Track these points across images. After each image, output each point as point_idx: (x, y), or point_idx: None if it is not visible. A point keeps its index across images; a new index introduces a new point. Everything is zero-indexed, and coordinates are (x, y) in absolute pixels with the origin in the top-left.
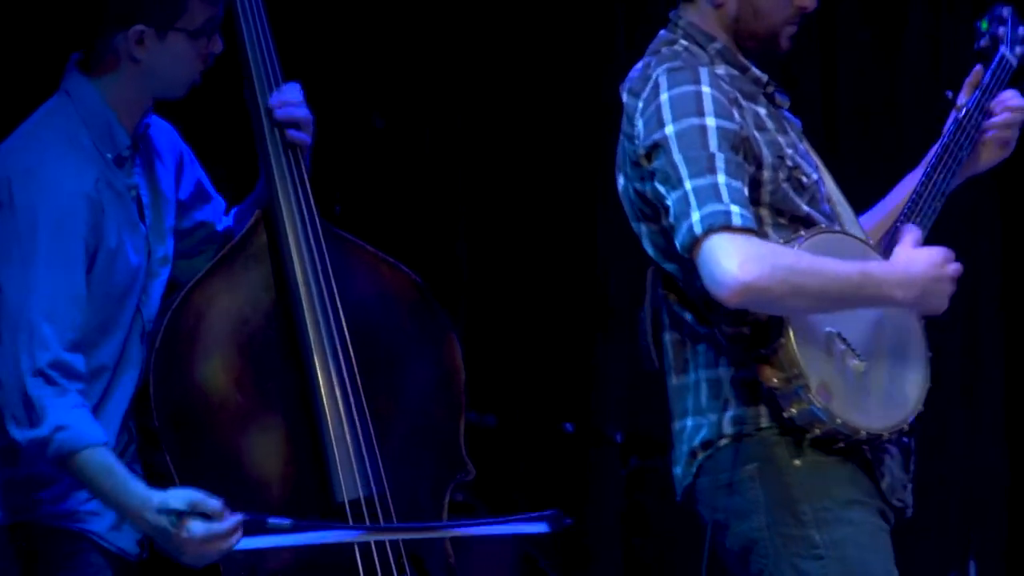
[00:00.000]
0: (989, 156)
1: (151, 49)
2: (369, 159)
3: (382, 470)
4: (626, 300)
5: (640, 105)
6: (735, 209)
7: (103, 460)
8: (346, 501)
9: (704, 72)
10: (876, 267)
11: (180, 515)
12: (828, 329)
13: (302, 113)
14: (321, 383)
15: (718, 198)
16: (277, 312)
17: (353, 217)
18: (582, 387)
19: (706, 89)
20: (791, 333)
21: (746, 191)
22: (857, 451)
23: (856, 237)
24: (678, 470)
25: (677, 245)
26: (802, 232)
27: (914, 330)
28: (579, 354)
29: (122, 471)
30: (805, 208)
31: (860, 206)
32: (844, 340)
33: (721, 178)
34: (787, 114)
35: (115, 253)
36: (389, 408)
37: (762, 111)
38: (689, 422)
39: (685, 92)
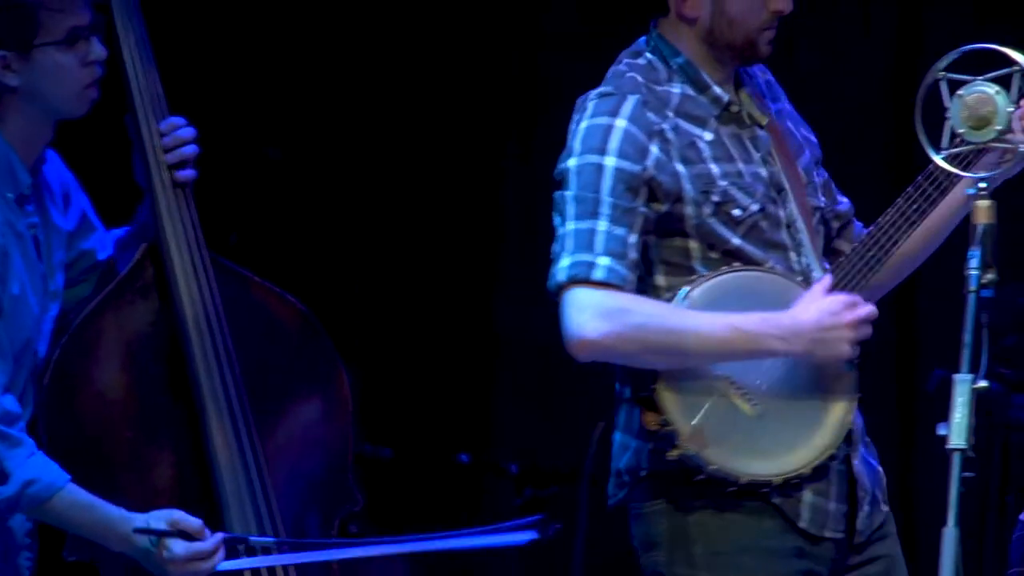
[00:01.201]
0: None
1: (22, 72)
2: (264, 190)
3: (273, 504)
4: (520, 332)
5: (572, 126)
6: (602, 261)
7: (76, 497)
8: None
9: (629, 102)
10: (752, 321)
11: (161, 535)
12: (719, 373)
13: (191, 150)
14: (211, 417)
15: (590, 247)
16: (166, 347)
17: (248, 248)
18: (477, 419)
19: (620, 123)
20: (662, 379)
21: (632, 238)
22: (756, 494)
23: (783, 275)
24: (610, 481)
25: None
26: (718, 269)
27: (838, 374)
28: (474, 386)
29: (97, 501)
30: (736, 241)
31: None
32: (736, 385)
33: (602, 225)
34: (760, 134)
35: (18, 300)
36: (279, 441)
37: (707, 136)
38: (618, 436)
39: (598, 125)
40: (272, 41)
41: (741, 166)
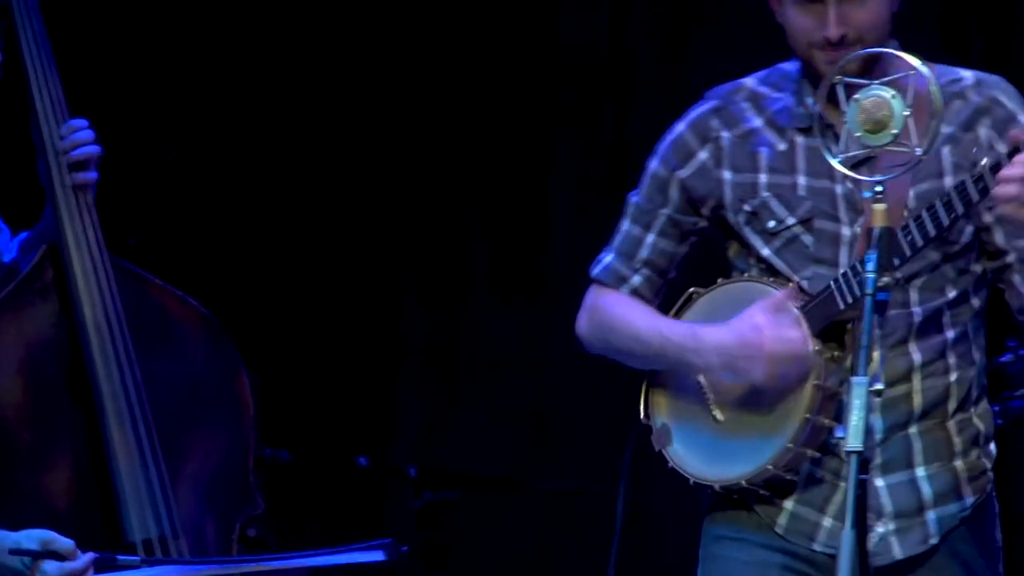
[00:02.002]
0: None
1: None
2: (163, 190)
3: (173, 508)
4: (421, 336)
5: None
6: (606, 259)
7: None
8: (137, 541)
9: (700, 108)
10: (679, 332)
11: (33, 556)
12: (696, 377)
13: (93, 150)
14: (111, 420)
15: (610, 245)
16: (66, 349)
17: (147, 249)
18: (377, 421)
19: (679, 128)
20: (650, 377)
21: (649, 237)
22: (732, 497)
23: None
24: None
25: None
26: (741, 276)
27: (795, 391)
28: (374, 388)
29: None
30: (765, 251)
31: None
32: (707, 390)
33: (625, 224)
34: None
35: None
36: (179, 444)
37: (780, 147)
38: None
39: (671, 129)
40: (172, 42)
41: (801, 179)
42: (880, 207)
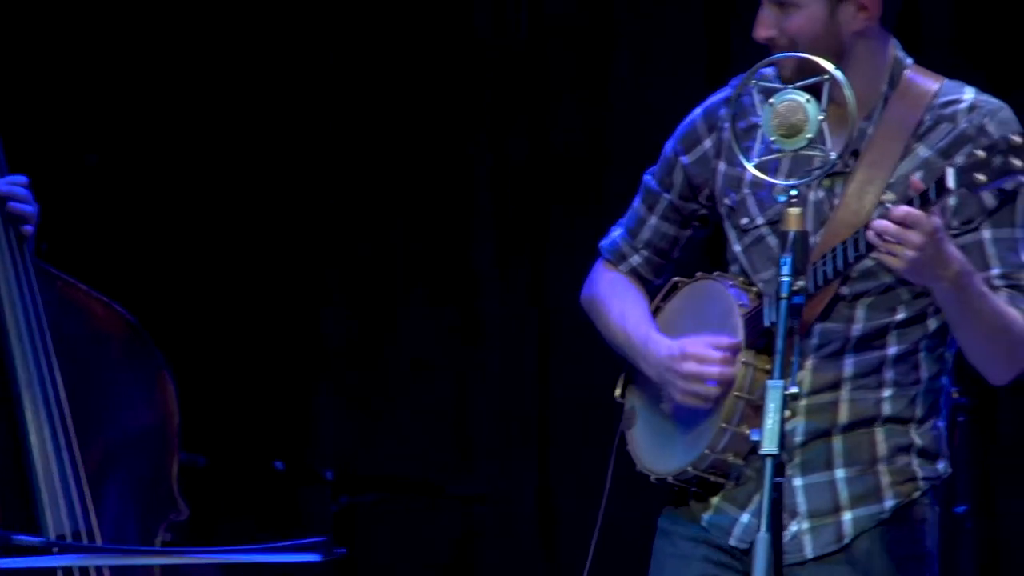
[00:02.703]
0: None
1: None
2: (82, 196)
3: (90, 507)
4: (341, 340)
5: None
6: (615, 234)
7: None
8: (53, 537)
9: (717, 95)
10: (638, 334)
11: None
12: None
13: (30, 209)
14: (29, 419)
15: (622, 220)
16: None
17: (64, 252)
18: (294, 425)
19: (696, 112)
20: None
21: (652, 219)
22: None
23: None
24: None
25: None
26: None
27: (727, 397)
28: (291, 391)
29: None
30: (736, 247)
31: None
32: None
33: (636, 201)
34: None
35: None
36: (101, 447)
37: (770, 144)
38: None
39: (690, 112)
40: (89, 45)
41: (780, 179)
42: (795, 211)
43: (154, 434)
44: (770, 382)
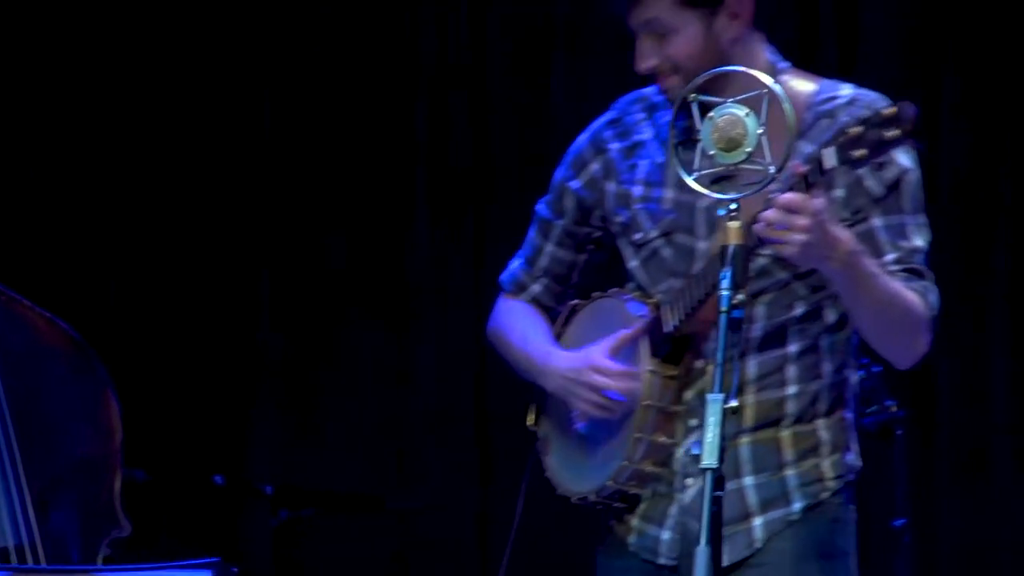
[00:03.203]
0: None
1: None
2: (19, 211)
3: (33, 521)
4: (279, 354)
5: None
6: (514, 265)
7: None
8: None
9: (601, 119)
10: (538, 352)
11: None
12: None
13: None
14: None
15: (520, 251)
16: None
17: (2, 269)
18: (233, 440)
19: (582, 138)
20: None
21: (548, 247)
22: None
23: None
24: None
25: None
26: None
27: (627, 415)
28: (230, 405)
29: None
30: (632, 263)
31: None
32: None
33: (531, 232)
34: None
35: None
36: (44, 462)
37: (658, 160)
38: None
39: (576, 138)
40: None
41: (670, 192)
42: (734, 224)
43: (98, 450)
44: (710, 395)
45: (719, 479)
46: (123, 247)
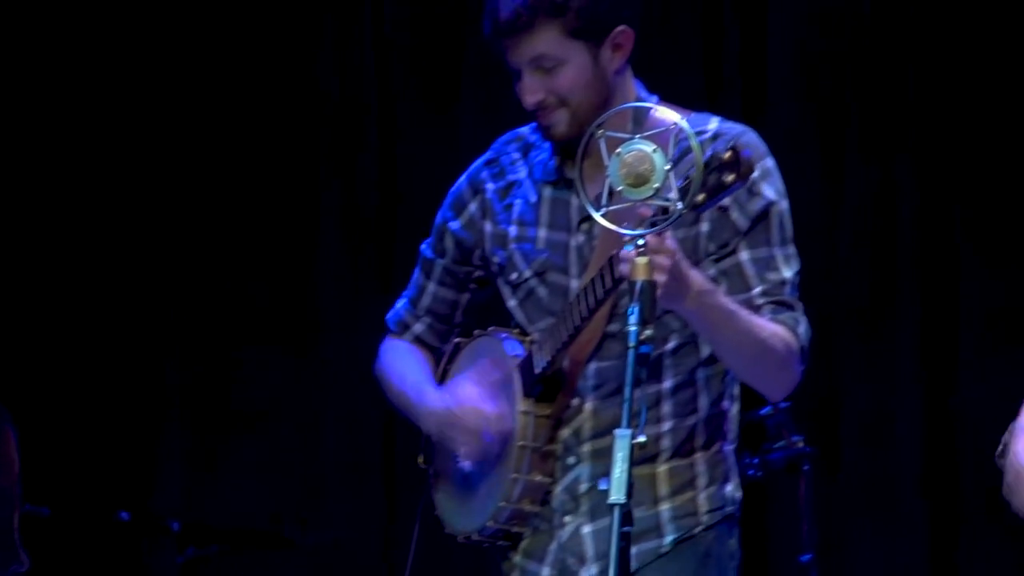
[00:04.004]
0: None
1: None
2: None
3: None
4: (185, 388)
5: None
6: (398, 305)
7: None
8: None
9: (480, 159)
10: (414, 392)
11: None
12: None
13: None
14: None
15: (405, 291)
16: None
17: None
18: (137, 475)
19: (461, 179)
20: None
21: (432, 287)
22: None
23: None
24: None
25: None
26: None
27: (508, 454)
28: (135, 441)
29: None
30: (510, 303)
31: None
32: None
33: (415, 272)
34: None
35: None
36: None
37: (532, 198)
38: None
39: (457, 180)
40: None
41: (543, 232)
42: (642, 260)
43: None
44: (618, 431)
45: (627, 514)
46: (28, 280)
